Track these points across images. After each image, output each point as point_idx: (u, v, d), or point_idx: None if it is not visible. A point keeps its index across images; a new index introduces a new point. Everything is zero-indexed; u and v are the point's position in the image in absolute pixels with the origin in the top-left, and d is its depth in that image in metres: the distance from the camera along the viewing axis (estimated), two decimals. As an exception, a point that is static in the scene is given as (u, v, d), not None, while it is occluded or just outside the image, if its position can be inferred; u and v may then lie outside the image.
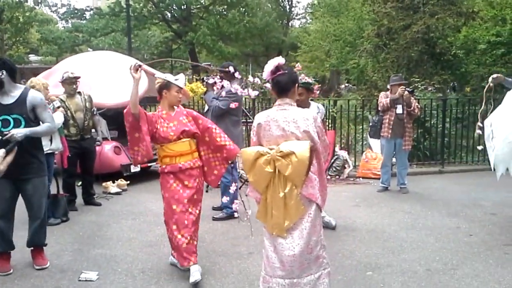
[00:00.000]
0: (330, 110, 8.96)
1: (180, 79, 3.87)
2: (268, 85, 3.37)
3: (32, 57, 36.91)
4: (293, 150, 2.89)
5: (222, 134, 3.99)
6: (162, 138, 3.77)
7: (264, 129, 3.04)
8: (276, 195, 2.97)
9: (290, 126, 2.97)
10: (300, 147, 2.91)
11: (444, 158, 8.54)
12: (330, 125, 8.60)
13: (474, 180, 7.59)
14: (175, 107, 3.90)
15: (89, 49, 26.18)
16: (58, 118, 5.23)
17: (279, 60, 3.08)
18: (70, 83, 5.75)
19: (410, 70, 11.74)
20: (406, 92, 6.37)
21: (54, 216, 5.34)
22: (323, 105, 6.11)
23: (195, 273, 3.67)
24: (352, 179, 7.71)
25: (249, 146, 3.29)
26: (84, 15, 26.24)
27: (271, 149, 2.98)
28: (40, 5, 29.26)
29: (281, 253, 2.98)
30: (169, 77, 3.86)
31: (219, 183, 4.45)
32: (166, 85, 3.81)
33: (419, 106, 6.68)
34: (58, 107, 5.40)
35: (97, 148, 6.35)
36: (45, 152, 5.11)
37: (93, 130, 6.17)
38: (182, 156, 3.80)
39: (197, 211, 3.87)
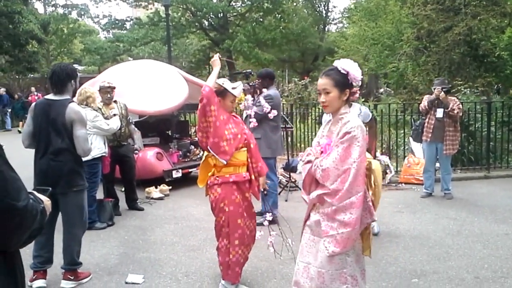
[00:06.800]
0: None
1: (237, 88, 3.53)
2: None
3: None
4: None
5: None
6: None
7: None
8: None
9: None
10: None
11: (490, 163, 8.26)
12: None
13: (523, 185, 7.30)
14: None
15: (129, 58, 26.88)
16: (115, 123, 5.50)
17: None
18: (105, 92, 5.87)
19: (452, 73, 11.42)
20: (442, 93, 6.23)
21: (100, 220, 5.52)
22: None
23: None
24: (394, 184, 7.56)
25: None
26: (125, 25, 26.95)
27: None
28: (83, 16, 30.37)
29: (366, 276, 2.74)
30: (226, 83, 3.52)
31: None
32: (222, 93, 3.47)
33: (460, 107, 6.47)
34: (115, 115, 5.62)
35: (139, 154, 6.46)
36: (99, 155, 5.35)
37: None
38: (244, 165, 3.56)
39: (255, 226, 3.71)
